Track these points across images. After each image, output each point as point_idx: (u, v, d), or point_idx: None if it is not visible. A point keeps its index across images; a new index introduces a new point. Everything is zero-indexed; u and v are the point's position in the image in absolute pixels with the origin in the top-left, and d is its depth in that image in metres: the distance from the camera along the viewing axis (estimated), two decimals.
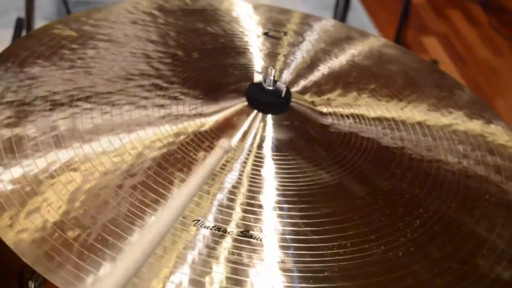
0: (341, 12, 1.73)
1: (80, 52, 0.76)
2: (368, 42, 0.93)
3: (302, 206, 0.61)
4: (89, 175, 0.59)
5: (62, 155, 0.61)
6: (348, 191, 0.64)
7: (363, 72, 0.85)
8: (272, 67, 0.68)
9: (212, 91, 0.72)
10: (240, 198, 0.60)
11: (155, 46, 0.80)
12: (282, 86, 0.68)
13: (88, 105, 0.67)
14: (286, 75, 0.80)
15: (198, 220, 0.57)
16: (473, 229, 0.63)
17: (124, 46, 0.78)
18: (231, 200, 0.60)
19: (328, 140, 0.70)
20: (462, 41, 2.17)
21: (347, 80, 0.82)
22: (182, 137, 0.65)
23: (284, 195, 0.61)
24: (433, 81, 0.87)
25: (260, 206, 0.60)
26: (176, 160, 0.62)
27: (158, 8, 0.88)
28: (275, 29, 0.89)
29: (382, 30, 2.04)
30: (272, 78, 0.68)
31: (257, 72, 0.69)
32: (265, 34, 0.87)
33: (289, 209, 0.60)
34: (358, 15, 2.06)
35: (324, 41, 0.89)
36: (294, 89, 0.77)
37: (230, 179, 0.62)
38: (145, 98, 0.70)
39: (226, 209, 0.59)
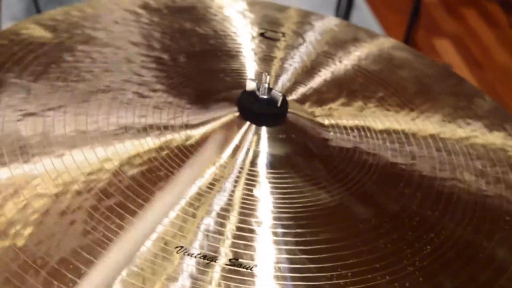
0: (344, 11, 1.74)
1: (54, 55, 0.76)
2: (377, 43, 0.94)
3: (299, 230, 0.61)
4: (60, 195, 0.60)
5: (31, 171, 0.61)
6: (350, 213, 0.64)
7: (370, 78, 0.85)
8: (266, 73, 0.68)
9: (200, 100, 0.73)
10: (230, 221, 0.60)
11: (137, 48, 0.80)
12: (277, 94, 0.69)
13: (61, 115, 0.68)
14: (283, 82, 0.81)
15: (182, 247, 0.57)
16: (491, 256, 0.63)
17: (103, 49, 0.79)
18: (220, 224, 0.60)
19: (329, 156, 0.70)
20: (478, 44, 2.17)
21: (352, 87, 0.83)
22: (165, 152, 0.66)
23: (279, 218, 0.62)
24: (449, 88, 0.88)
25: (252, 231, 0.60)
26: (158, 178, 0.63)
27: (142, 6, 0.89)
28: (272, 29, 0.89)
29: (389, 32, 2.04)
30: (266, 85, 0.69)
31: (250, 79, 0.69)
32: (261, 35, 0.88)
33: (284, 234, 0.60)
34: (362, 15, 2.07)
35: (327, 42, 0.90)
36: (291, 97, 0.78)
37: (218, 200, 0.62)
38: (125, 107, 0.70)
39: (213, 234, 0.59)
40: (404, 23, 1.83)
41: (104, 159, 0.64)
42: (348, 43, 0.91)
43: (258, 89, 0.69)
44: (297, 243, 0.60)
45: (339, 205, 0.65)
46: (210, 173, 0.65)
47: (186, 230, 0.59)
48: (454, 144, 0.76)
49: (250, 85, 0.70)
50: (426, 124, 0.78)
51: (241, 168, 0.66)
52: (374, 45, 0.93)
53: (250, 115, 0.69)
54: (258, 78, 0.70)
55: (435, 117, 0.80)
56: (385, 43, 0.94)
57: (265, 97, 0.69)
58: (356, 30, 0.95)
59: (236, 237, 0.59)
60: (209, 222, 0.60)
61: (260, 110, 0.69)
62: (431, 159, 0.73)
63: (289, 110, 0.71)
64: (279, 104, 0.69)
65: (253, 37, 0.88)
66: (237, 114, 0.70)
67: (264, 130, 0.69)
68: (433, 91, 0.86)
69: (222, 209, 0.61)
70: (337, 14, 1.77)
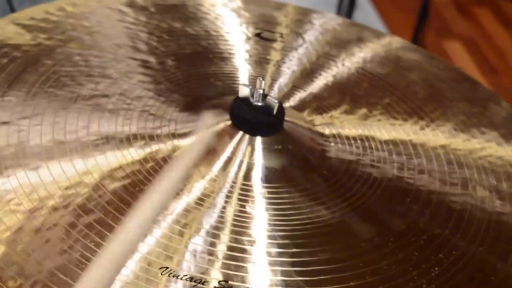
0: (346, 11, 1.75)
1: (31, 58, 0.77)
2: (384, 44, 0.94)
3: (295, 250, 0.62)
4: (35, 211, 0.60)
5: (3, 185, 0.62)
6: (351, 231, 0.65)
7: (376, 82, 0.86)
8: (261, 78, 0.69)
9: (189, 107, 0.74)
10: (220, 240, 0.61)
11: (122, 51, 0.81)
12: (273, 101, 0.69)
13: (37, 123, 0.68)
14: (280, 87, 0.81)
15: (167, 268, 0.58)
16: (505, 279, 0.64)
17: (84, 52, 0.80)
18: (209, 243, 0.61)
19: (329, 169, 0.71)
20: (493, 46, 2.16)
21: (355, 92, 0.84)
22: (150, 164, 0.66)
23: (273, 237, 0.63)
24: (462, 93, 0.88)
25: (244, 251, 0.61)
26: (142, 193, 0.64)
27: (127, 4, 0.90)
28: (268, 29, 0.90)
29: (395, 33, 2.03)
30: (261, 91, 0.69)
31: (243, 84, 0.70)
32: (257, 35, 0.89)
33: (279, 254, 0.61)
34: (366, 15, 2.07)
35: (329, 43, 0.91)
36: (289, 104, 0.79)
37: (208, 217, 0.63)
38: (107, 115, 0.71)
39: (202, 254, 0.60)
40: (412, 23, 1.83)
41: (83, 172, 0.64)
42: (352, 44, 0.92)
43: (252, 96, 0.70)
44: (293, 264, 0.60)
45: (339, 222, 0.65)
46: (199, 187, 0.65)
47: (172, 250, 0.60)
48: (467, 156, 0.77)
49: (244, 91, 0.70)
50: (437, 134, 0.79)
51: (234, 182, 0.66)
52: (381, 45, 0.94)
53: (243, 124, 0.70)
54: (252, 84, 0.70)
55: (446, 125, 0.81)
56: (393, 43, 0.95)
57: (259, 104, 0.70)
58: (360, 29, 0.96)
59: (226, 257, 0.60)
60: (197, 241, 0.61)
61: (254, 118, 0.70)
62: (441, 173, 0.74)
63: (286, 118, 0.71)
64: (275, 111, 0.70)
65: (248, 38, 0.89)
66: (229, 123, 0.70)
67: (258, 140, 0.69)
68: (444, 97, 0.86)
69: (212, 227, 0.62)
70: (338, 14, 1.78)
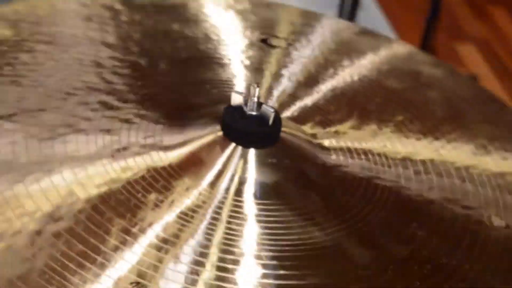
0: (348, 11, 1.73)
1: (10, 56, 0.79)
2: (402, 57, 0.95)
3: (282, 272, 0.62)
4: None
5: None
6: (346, 256, 0.65)
7: (390, 97, 0.87)
8: (255, 85, 0.70)
9: (178, 115, 0.75)
10: (204, 257, 0.61)
11: (111, 51, 0.83)
12: (269, 110, 0.70)
13: (10, 125, 0.70)
14: (283, 98, 0.82)
15: (138, 283, 0.59)
16: None
17: (68, 50, 0.81)
18: (191, 260, 0.61)
19: (328, 186, 0.72)
20: (509, 49, 2.14)
21: (366, 107, 0.84)
22: (129, 174, 0.67)
23: (260, 257, 0.63)
24: (486, 115, 0.89)
25: (227, 270, 0.61)
26: (117, 202, 0.65)
27: (122, 2, 0.92)
28: (273, 34, 0.91)
29: (403, 35, 2.02)
30: (255, 99, 0.70)
31: (236, 91, 0.71)
32: (262, 41, 0.90)
33: (263, 276, 0.62)
34: (370, 16, 2.03)
35: (339, 52, 0.92)
36: (290, 115, 0.79)
37: (193, 232, 0.63)
38: (87, 119, 0.72)
39: (182, 271, 0.60)
40: (421, 24, 1.81)
41: (55, 177, 0.65)
42: (366, 54, 0.93)
43: (246, 104, 0.71)
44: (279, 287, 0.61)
45: (334, 245, 0.66)
46: (185, 202, 0.66)
47: (147, 265, 0.60)
48: (484, 181, 0.77)
49: (236, 99, 0.71)
50: (453, 156, 0.80)
51: (224, 197, 0.67)
52: (399, 58, 0.94)
53: (236, 135, 0.70)
54: (247, 91, 0.71)
55: (464, 148, 0.81)
56: (413, 56, 0.96)
57: (253, 113, 0.71)
58: (376, 39, 0.97)
59: (209, 276, 0.60)
60: (178, 258, 0.61)
61: (247, 128, 0.70)
62: (455, 197, 0.74)
63: (283, 129, 0.72)
64: (270, 122, 0.70)
65: (250, 43, 0.90)
66: (220, 133, 0.71)
67: (252, 152, 0.69)
68: (466, 118, 0.87)
69: (196, 244, 0.62)
70: (340, 15, 1.75)
